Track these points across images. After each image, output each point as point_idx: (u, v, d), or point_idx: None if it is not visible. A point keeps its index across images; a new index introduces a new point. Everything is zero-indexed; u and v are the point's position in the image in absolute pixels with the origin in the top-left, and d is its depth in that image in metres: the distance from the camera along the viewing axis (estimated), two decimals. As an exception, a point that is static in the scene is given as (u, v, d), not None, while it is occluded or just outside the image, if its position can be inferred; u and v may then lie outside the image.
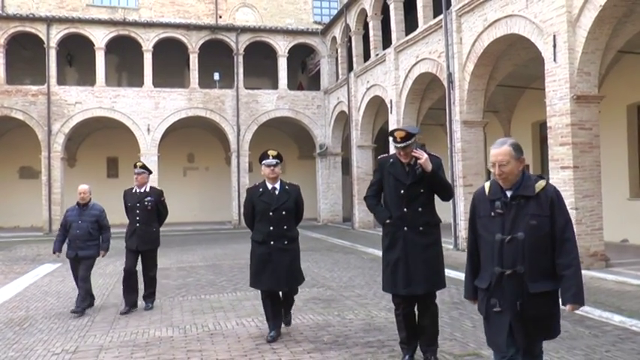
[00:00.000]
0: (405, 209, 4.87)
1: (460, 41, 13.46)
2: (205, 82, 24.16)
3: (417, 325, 5.00)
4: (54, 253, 7.92)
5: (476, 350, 5.46)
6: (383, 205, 5.11)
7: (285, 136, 27.56)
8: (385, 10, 18.83)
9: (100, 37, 22.74)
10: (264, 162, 6.06)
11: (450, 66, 13.74)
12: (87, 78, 23.89)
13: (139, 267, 7.91)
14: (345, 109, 22.46)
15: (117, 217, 24.80)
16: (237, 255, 13.31)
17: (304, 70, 27.53)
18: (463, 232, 13.29)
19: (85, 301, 7.66)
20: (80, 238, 7.68)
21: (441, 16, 14.15)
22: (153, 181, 22.83)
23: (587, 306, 7.31)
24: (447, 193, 4.99)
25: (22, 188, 24.81)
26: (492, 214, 3.27)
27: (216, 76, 24.29)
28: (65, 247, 7.91)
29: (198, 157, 27.60)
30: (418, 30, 15.83)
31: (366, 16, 20.05)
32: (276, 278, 5.89)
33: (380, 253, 5.47)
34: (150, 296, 7.95)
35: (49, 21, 22.43)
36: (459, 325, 6.46)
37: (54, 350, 5.88)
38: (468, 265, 3.51)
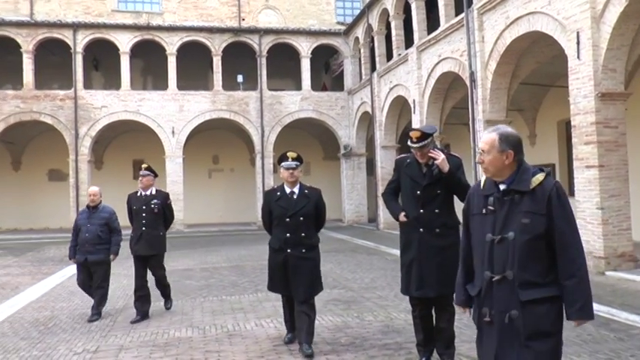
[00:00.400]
0: (421, 210, 4.82)
1: (482, 39, 13.31)
2: (229, 84, 24.32)
3: (434, 327, 4.94)
4: (70, 259, 7.77)
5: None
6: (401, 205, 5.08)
7: (310, 137, 27.59)
8: (407, 10, 18.73)
9: (124, 42, 23.08)
10: (282, 164, 5.69)
11: (472, 65, 13.60)
12: (112, 82, 24.27)
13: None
14: (369, 109, 22.40)
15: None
16: (261, 256, 13.36)
17: (328, 70, 27.52)
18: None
19: (102, 304, 7.58)
20: (89, 242, 7.43)
21: (463, 15, 14.03)
22: (178, 183, 23.20)
23: (613, 308, 7.18)
24: (466, 195, 4.93)
25: (51, 190, 25.30)
26: (484, 211, 2.89)
27: (240, 78, 24.44)
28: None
29: (223, 158, 27.79)
30: (440, 29, 15.71)
31: (388, 15, 19.98)
32: (294, 287, 5.56)
33: (404, 254, 5.44)
34: (167, 296, 7.94)
35: (76, 27, 22.86)
36: (478, 327, 6.37)
37: (76, 350, 5.97)
38: (461, 269, 3.14)
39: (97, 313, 7.42)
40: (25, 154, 26.02)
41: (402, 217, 4.95)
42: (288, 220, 5.57)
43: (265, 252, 6.06)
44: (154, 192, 7.64)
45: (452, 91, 16.78)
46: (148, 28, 23.76)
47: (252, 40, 24.35)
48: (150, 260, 7.52)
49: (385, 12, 20.35)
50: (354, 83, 24.84)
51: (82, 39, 22.83)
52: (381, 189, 21.07)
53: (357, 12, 25.55)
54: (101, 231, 7.50)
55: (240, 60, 24.53)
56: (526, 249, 2.75)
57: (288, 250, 5.55)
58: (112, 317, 7.48)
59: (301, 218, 5.57)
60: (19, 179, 25.70)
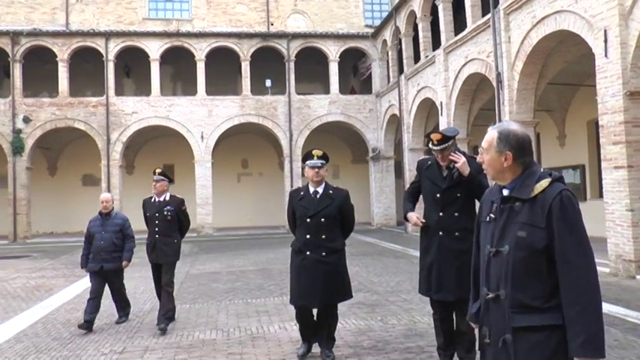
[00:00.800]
0: (441, 213, 4.79)
1: (508, 40, 13.18)
2: (257, 88, 24.53)
3: (455, 330, 4.91)
4: (82, 268, 7.47)
5: None
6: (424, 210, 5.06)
7: (338, 141, 27.63)
8: (434, 11, 18.65)
9: (154, 49, 23.51)
10: (307, 163, 5.44)
11: (499, 65, 13.48)
12: (143, 88, 24.74)
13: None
14: (397, 112, 22.34)
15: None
16: (287, 259, 13.16)
17: (356, 74, 27.55)
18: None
19: (127, 308, 7.63)
20: (105, 250, 7.22)
21: (489, 15, 13.92)
22: (207, 187, 23.48)
23: (642, 312, 7.03)
24: None
25: (85, 195, 25.85)
26: (488, 218, 2.59)
27: (268, 82, 24.62)
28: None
29: (252, 162, 28.03)
30: (466, 30, 15.61)
31: (416, 17, 19.92)
32: (309, 293, 5.22)
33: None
34: (165, 317, 7.00)
35: (108, 35, 23.41)
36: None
37: (103, 350, 6.12)
38: (472, 281, 2.81)
39: (124, 315, 7.55)
40: (60, 160, 26.73)
41: (411, 219, 4.93)
42: (308, 220, 5.30)
43: (292, 255, 5.93)
44: (167, 198, 7.32)
45: (479, 93, 16.64)
46: (178, 34, 24.18)
47: (281, 45, 24.53)
48: (162, 268, 7.26)
49: (412, 14, 20.29)
50: (382, 86, 24.80)
51: (114, 47, 23.35)
52: (409, 191, 20.98)
53: (385, 14, 25.53)
54: (116, 238, 7.33)
55: (268, 64, 24.73)
56: (521, 266, 2.37)
57: (308, 253, 5.27)
58: (138, 319, 7.63)
59: (322, 219, 5.28)
60: (55, 184, 26.37)
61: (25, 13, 26.69)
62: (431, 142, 4.80)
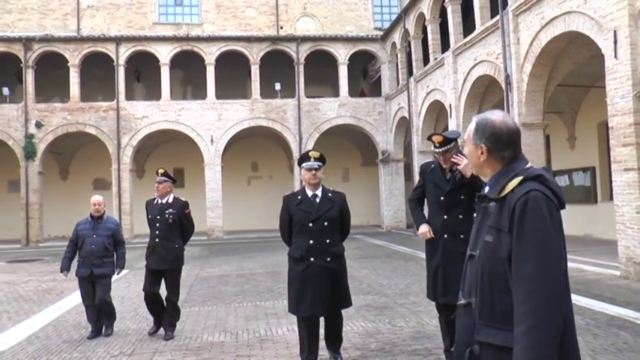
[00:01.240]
0: (445, 216, 4.81)
1: (517, 41, 13.14)
2: (267, 92, 24.60)
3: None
4: (62, 272, 7.16)
5: None
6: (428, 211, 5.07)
7: (348, 144, 27.65)
8: (443, 13, 18.63)
9: (164, 53, 23.66)
10: (304, 165, 5.20)
11: (508, 67, 13.44)
12: (153, 93, 24.89)
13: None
14: (406, 114, 22.32)
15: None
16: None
17: (366, 76, 27.56)
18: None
19: (112, 318, 7.15)
20: (96, 254, 6.88)
21: (498, 17, 13.89)
22: (217, 190, 23.56)
23: (654, 315, 6.99)
24: None
25: (97, 199, 26.01)
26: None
27: (278, 86, 24.67)
28: (75, 265, 7.12)
29: (262, 165, 28.09)
30: (475, 32, 15.58)
31: (425, 19, 19.90)
32: (317, 302, 4.97)
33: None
34: (170, 325, 6.86)
35: (118, 40, 23.60)
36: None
37: (113, 352, 6.17)
38: None
39: (110, 327, 7.06)
40: (71, 164, 26.94)
41: (422, 231, 4.92)
42: (311, 225, 5.04)
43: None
44: (170, 200, 6.94)
45: (488, 95, 16.59)
46: (188, 39, 24.33)
47: (290, 48, 24.60)
48: (164, 275, 6.87)
49: (421, 16, 20.28)
50: (392, 89, 24.78)
51: (124, 52, 23.53)
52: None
53: (394, 17, 25.53)
54: (108, 243, 6.99)
55: (277, 68, 24.80)
56: (488, 275, 2.10)
57: (312, 259, 4.99)
58: (147, 321, 7.66)
59: (325, 223, 5.06)
60: (67, 188, 26.57)
61: (37, 20, 27.01)
62: (433, 145, 4.82)
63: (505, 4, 13.58)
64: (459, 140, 5.21)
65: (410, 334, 6.50)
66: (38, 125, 23.16)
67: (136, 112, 23.71)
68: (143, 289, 6.96)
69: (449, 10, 17.53)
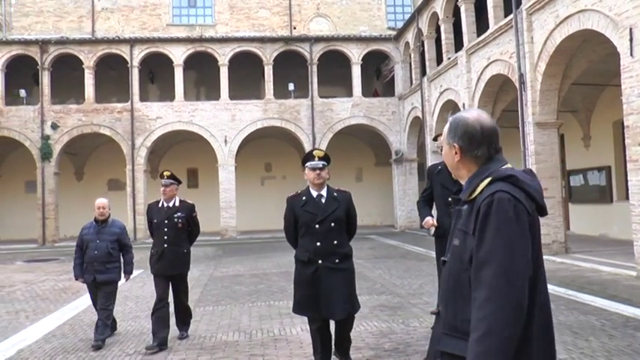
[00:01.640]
0: (454, 222, 4.78)
1: (531, 40, 13.07)
2: (280, 92, 24.65)
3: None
4: (77, 279, 6.91)
5: None
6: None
7: (361, 144, 27.62)
8: (456, 13, 18.55)
9: (178, 55, 23.81)
10: (308, 164, 5.02)
11: (522, 66, 13.36)
12: (167, 94, 25.07)
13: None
14: (420, 114, 22.26)
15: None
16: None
17: (379, 76, 27.52)
18: (540, 237, 12.84)
19: (105, 332, 6.59)
20: (98, 260, 6.60)
21: (512, 16, 13.81)
22: (231, 190, 23.65)
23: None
24: None
25: (111, 199, 26.05)
26: None
27: (291, 86, 24.71)
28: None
29: (276, 166, 28.14)
30: (489, 31, 15.51)
31: (438, 19, 19.84)
32: (329, 305, 4.80)
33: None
34: (185, 324, 6.83)
35: (132, 42, 23.80)
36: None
37: (128, 351, 6.24)
38: None
39: (101, 342, 6.47)
40: (86, 165, 27.20)
41: (427, 222, 4.88)
42: (317, 226, 4.90)
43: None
44: (177, 203, 6.63)
45: (502, 94, 16.50)
46: (201, 40, 24.46)
47: (303, 49, 24.63)
48: (173, 280, 6.63)
49: (435, 16, 20.22)
50: (405, 88, 24.72)
51: (138, 53, 23.72)
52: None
53: (407, 17, 25.46)
54: (112, 248, 6.69)
55: (291, 68, 24.83)
56: (454, 281, 2.01)
57: (320, 262, 4.83)
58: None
59: (332, 224, 4.91)
60: (82, 189, 26.80)
61: (53, 22, 27.32)
62: (437, 146, 4.82)
63: (519, 3, 13.51)
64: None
65: (423, 334, 6.48)
66: (54, 126, 23.42)
67: (150, 113, 23.89)
68: (158, 298, 6.41)
69: (462, 9, 17.46)
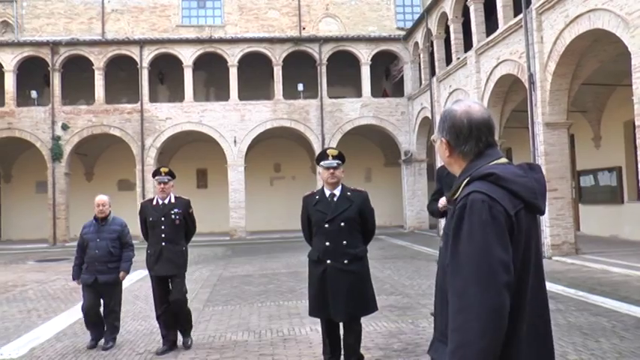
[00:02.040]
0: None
1: (541, 40, 13.01)
2: (289, 93, 24.68)
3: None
4: (74, 280, 6.64)
5: None
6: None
7: (370, 144, 27.59)
8: (466, 13, 18.50)
9: (187, 56, 23.90)
10: (322, 163, 4.96)
11: (531, 66, 13.31)
12: (177, 94, 25.17)
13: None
14: (429, 114, 22.21)
15: (205, 226, 25.69)
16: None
17: (388, 77, 27.49)
18: (549, 238, 12.78)
19: (116, 331, 6.59)
20: (100, 260, 6.35)
21: (521, 15, 13.75)
22: (240, 191, 23.71)
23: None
24: None
25: (121, 200, 26.16)
26: None
27: (300, 86, 24.72)
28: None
29: (285, 166, 28.17)
30: (498, 31, 15.45)
31: (447, 19, 19.79)
32: (333, 305, 4.73)
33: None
34: (187, 329, 6.41)
35: (142, 43, 23.92)
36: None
37: (138, 350, 6.28)
38: None
39: (112, 339, 6.48)
40: (96, 166, 27.35)
41: (442, 202, 4.75)
42: (327, 226, 4.84)
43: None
44: (172, 200, 6.36)
45: (511, 94, 16.44)
46: (210, 41, 24.53)
47: (312, 49, 24.64)
48: (170, 280, 6.30)
49: (444, 16, 20.18)
50: (414, 89, 24.68)
51: (148, 54, 23.84)
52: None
53: (416, 17, 25.42)
54: (113, 246, 6.44)
55: (300, 69, 24.85)
56: (440, 284, 1.92)
57: (328, 262, 4.77)
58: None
59: (342, 224, 4.82)
60: (92, 189, 26.83)
61: (63, 24, 27.50)
62: (433, 142, 4.76)
63: (528, 3, 13.46)
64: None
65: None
66: (64, 127, 23.58)
67: (159, 114, 24.00)
68: (156, 304, 6.29)
69: (471, 9, 17.41)
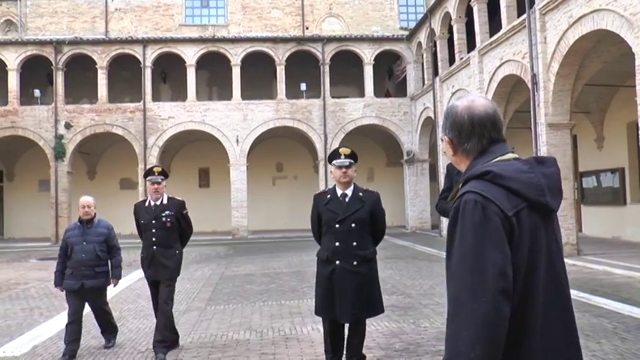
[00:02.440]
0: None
1: (544, 40, 12.99)
2: (292, 92, 24.68)
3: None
4: (56, 286, 6.25)
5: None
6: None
7: (373, 144, 27.57)
8: (469, 13, 18.47)
9: (190, 55, 23.92)
10: (334, 162, 4.91)
11: (534, 67, 13.29)
12: (179, 94, 25.18)
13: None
14: (431, 114, 22.20)
15: (207, 225, 25.71)
16: (321, 262, 13.43)
17: (391, 76, 27.47)
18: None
19: (114, 332, 6.49)
20: (86, 264, 5.97)
21: (525, 16, 13.73)
22: (242, 190, 23.71)
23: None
24: None
25: (123, 198, 26.37)
26: None
27: (303, 86, 24.71)
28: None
29: (287, 166, 28.18)
30: (502, 31, 15.43)
31: (450, 19, 19.77)
32: (340, 306, 4.69)
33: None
34: (161, 344, 5.87)
35: (145, 42, 23.96)
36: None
37: (140, 349, 6.29)
38: None
39: (112, 337, 6.46)
40: (99, 164, 27.40)
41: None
42: (337, 226, 4.77)
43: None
44: (165, 201, 6.10)
45: (514, 94, 16.42)
46: (213, 40, 24.55)
47: (316, 49, 24.64)
48: (160, 285, 6.06)
49: (447, 16, 20.15)
50: (417, 89, 24.66)
51: (151, 54, 23.87)
52: (444, 195, 20.79)
53: (420, 17, 25.39)
54: (100, 250, 6.08)
55: (303, 68, 24.84)
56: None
57: (337, 262, 4.71)
58: (174, 319, 7.76)
59: (353, 225, 4.75)
60: (94, 188, 26.87)
61: (67, 23, 27.56)
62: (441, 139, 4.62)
63: (532, 3, 13.44)
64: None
65: (434, 334, 6.49)
66: (67, 126, 23.63)
67: (162, 113, 24.03)
68: (155, 305, 6.18)
69: (475, 9, 17.38)
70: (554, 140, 12.99)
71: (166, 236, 6.00)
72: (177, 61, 24.10)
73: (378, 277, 4.98)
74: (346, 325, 4.98)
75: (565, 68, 12.51)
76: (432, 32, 21.80)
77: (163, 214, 5.99)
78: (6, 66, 23.61)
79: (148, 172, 6.13)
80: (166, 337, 5.94)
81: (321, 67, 24.57)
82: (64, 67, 23.80)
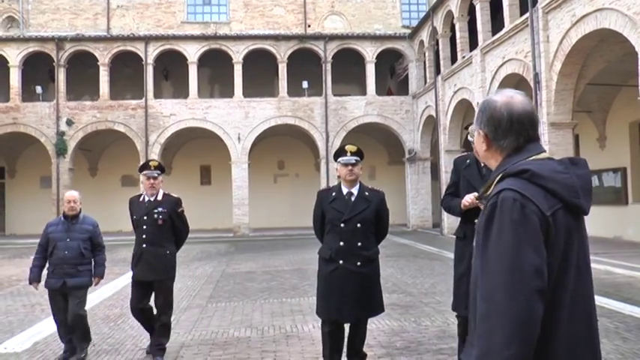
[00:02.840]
0: (477, 220, 4.50)
1: (547, 39, 12.98)
2: (294, 90, 24.68)
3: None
4: (31, 283, 5.90)
5: None
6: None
7: (375, 142, 27.54)
8: (472, 11, 18.47)
9: (192, 52, 23.92)
10: (340, 160, 4.80)
11: (537, 66, 13.28)
12: (181, 91, 25.21)
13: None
14: (433, 113, 22.20)
15: (208, 222, 25.74)
16: (322, 260, 13.41)
17: (393, 75, 27.45)
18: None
19: (84, 341, 5.82)
20: (69, 262, 5.61)
21: (527, 15, 13.72)
22: (244, 188, 23.72)
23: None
24: None
25: (124, 195, 26.05)
26: None
27: (305, 84, 24.70)
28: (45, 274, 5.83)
29: (288, 163, 28.19)
30: (504, 30, 15.42)
31: (453, 18, 19.76)
32: (342, 306, 4.60)
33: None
34: (159, 348, 5.69)
35: (147, 39, 24.00)
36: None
37: (141, 345, 6.28)
38: None
39: (83, 349, 5.79)
40: (100, 161, 27.42)
41: (467, 199, 4.22)
42: (342, 225, 4.65)
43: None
44: (159, 197, 5.78)
45: (517, 94, 16.39)
46: (215, 37, 24.57)
47: (317, 47, 24.64)
48: (153, 287, 5.75)
49: (450, 14, 20.14)
50: (419, 87, 24.65)
51: (153, 51, 23.88)
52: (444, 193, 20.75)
53: (422, 15, 25.37)
54: (84, 248, 5.72)
55: (305, 66, 24.83)
56: (474, 285, 1.76)
57: (340, 262, 4.61)
58: (175, 316, 7.74)
59: (358, 224, 4.65)
60: (96, 184, 27.02)
61: (69, 20, 27.56)
62: (469, 135, 4.49)
63: (535, 2, 13.43)
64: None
65: (435, 333, 6.49)
66: (69, 123, 23.64)
67: (163, 110, 24.04)
68: (132, 307, 5.81)
69: (477, 7, 17.37)
70: (556, 139, 12.98)
71: (158, 234, 5.69)
72: (179, 59, 24.11)
73: (379, 277, 4.92)
74: (346, 325, 4.93)
75: (567, 67, 12.50)
76: (434, 30, 21.78)
77: (156, 211, 5.69)
78: (8, 62, 23.64)
79: (144, 166, 5.83)
80: (162, 339, 5.78)
81: (323, 65, 24.57)
82: (65, 63, 23.82)
